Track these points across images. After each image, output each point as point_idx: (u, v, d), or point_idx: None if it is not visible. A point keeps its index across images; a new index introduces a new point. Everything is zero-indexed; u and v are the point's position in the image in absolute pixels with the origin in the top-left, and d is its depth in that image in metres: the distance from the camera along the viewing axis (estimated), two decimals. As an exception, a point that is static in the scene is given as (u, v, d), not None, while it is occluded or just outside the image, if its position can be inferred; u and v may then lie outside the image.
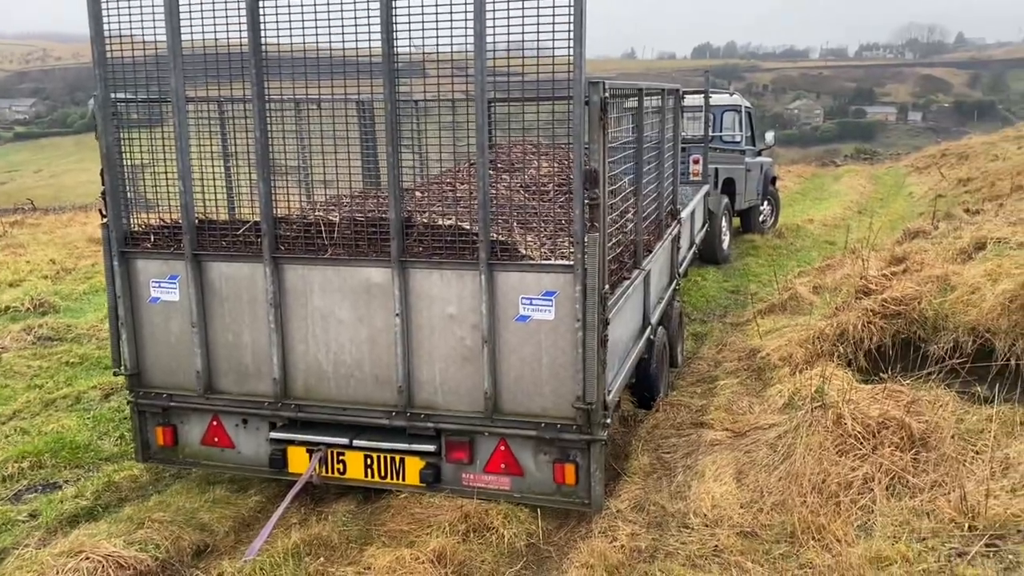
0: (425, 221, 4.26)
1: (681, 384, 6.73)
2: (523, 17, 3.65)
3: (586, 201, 3.86)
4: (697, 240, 9.21)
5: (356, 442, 4.42)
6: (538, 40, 3.68)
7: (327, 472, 4.51)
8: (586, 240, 3.88)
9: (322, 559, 4.12)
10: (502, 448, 4.30)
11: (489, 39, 3.77)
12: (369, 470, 4.46)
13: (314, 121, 4.50)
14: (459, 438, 4.33)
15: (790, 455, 4.59)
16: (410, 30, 3.89)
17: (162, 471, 5.25)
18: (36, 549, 4.22)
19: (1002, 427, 4.67)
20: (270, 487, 4.93)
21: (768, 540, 4.01)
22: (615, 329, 4.39)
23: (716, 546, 4.01)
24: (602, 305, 3.99)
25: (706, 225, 10.22)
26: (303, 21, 4.00)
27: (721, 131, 12.69)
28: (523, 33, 3.69)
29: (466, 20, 3.76)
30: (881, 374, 5.60)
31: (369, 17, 3.90)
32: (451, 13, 3.77)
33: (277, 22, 4.07)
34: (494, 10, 3.72)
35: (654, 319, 5.81)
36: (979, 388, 5.40)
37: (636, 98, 5.44)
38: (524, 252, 4.11)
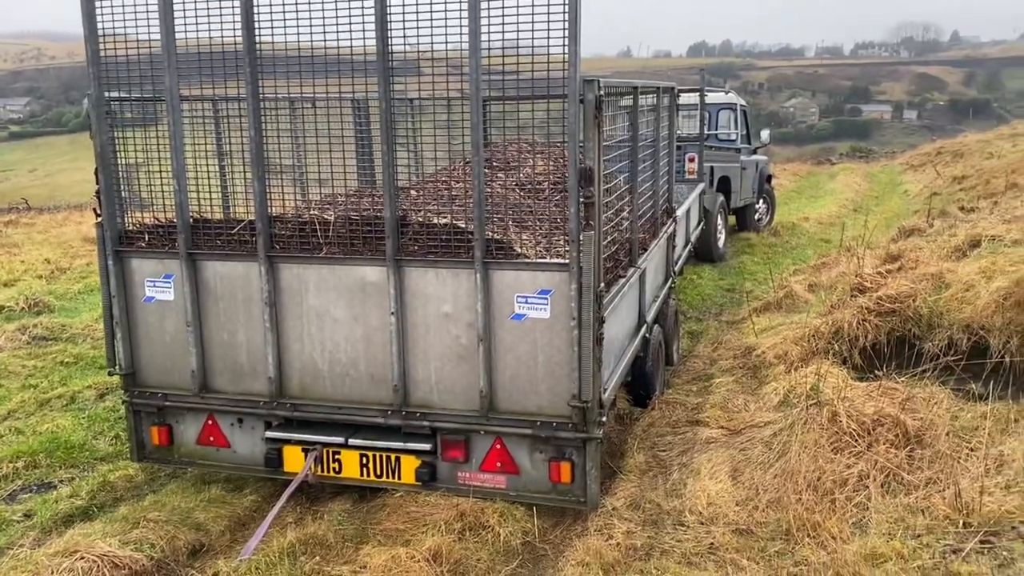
0: (420, 220, 4.25)
1: (677, 382, 6.73)
2: (518, 15, 3.65)
3: (581, 199, 3.87)
4: (693, 238, 9.21)
5: (352, 441, 4.42)
6: (533, 38, 3.68)
7: (323, 471, 4.51)
8: (581, 238, 3.88)
9: (318, 558, 4.12)
10: (498, 446, 4.30)
11: (484, 37, 3.77)
12: (365, 469, 4.46)
13: (309, 120, 4.50)
14: (455, 437, 4.33)
15: (785, 452, 4.60)
16: (404, 28, 3.89)
17: (157, 471, 5.24)
18: (31, 549, 4.21)
19: (996, 424, 4.68)
20: (266, 486, 4.93)
21: (764, 537, 4.02)
22: (611, 327, 4.39)
23: (712, 544, 4.02)
24: (598, 303, 3.99)
25: (702, 223, 10.23)
26: (297, 19, 3.98)
27: (717, 129, 12.70)
28: (518, 31, 3.69)
29: (461, 18, 3.76)
30: (876, 372, 5.61)
31: (364, 15, 3.89)
32: (446, 11, 3.76)
33: (271, 20, 4.06)
34: (489, 8, 3.72)
35: (650, 317, 5.82)
36: (973, 385, 5.42)
37: (631, 96, 5.45)
38: (519, 250, 4.11)
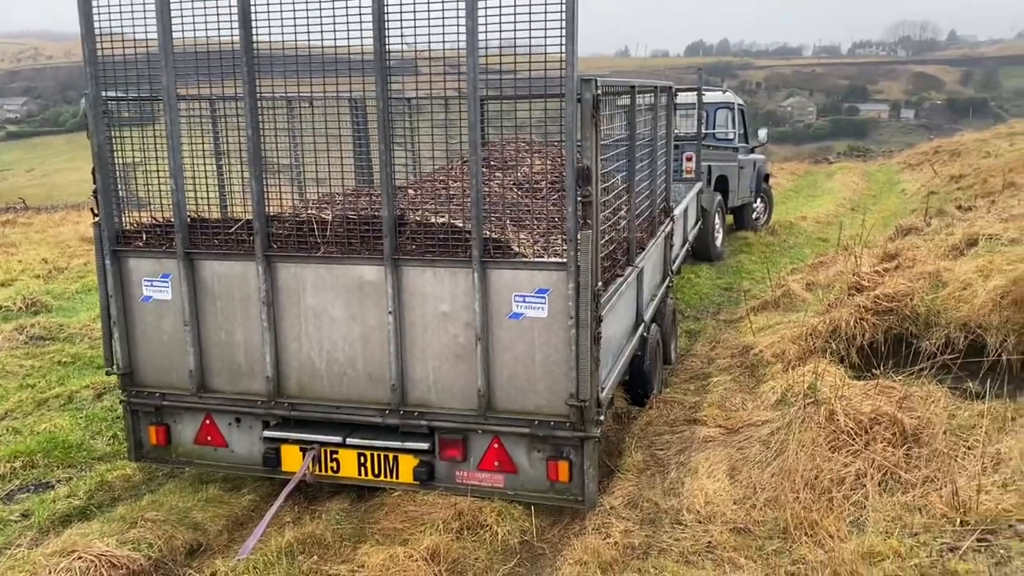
0: (418, 219, 4.25)
1: (674, 381, 6.74)
2: (515, 14, 3.65)
3: (579, 198, 3.87)
4: (690, 237, 9.22)
5: (349, 440, 4.42)
6: (530, 37, 3.68)
7: (320, 471, 4.51)
8: (579, 237, 3.89)
9: (315, 557, 4.12)
10: (495, 446, 4.30)
11: (481, 36, 3.77)
12: (362, 468, 4.46)
13: (306, 119, 4.49)
14: (452, 436, 4.33)
15: (783, 451, 4.60)
16: (402, 27, 3.89)
17: (155, 470, 5.24)
18: (28, 549, 4.21)
19: (993, 422, 4.69)
20: (263, 486, 4.93)
21: (761, 536, 4.03)
22: (608, 326, 4.40)
23: (709, 542, 4.02)
24: (595, 302, 3.99)
25: (699, 222, 10.24)
26: (295, 18, 3.98)
27: (714, 128, 12.71)
28: (515, 30, 3.69)
29: (458, 17, 3.76)
30: (873, 370, 5.62)
31: (361, 14, 3.89)
32: (443, 10, 3.76)
33: (269, 19, 4.06)
34: (486, 7, 3.72)
35: (647, 316, 5.82)
36: (970, 384, 5.43)
37: (629, 95, 5.45)
38: (517, 250, 4.11)
